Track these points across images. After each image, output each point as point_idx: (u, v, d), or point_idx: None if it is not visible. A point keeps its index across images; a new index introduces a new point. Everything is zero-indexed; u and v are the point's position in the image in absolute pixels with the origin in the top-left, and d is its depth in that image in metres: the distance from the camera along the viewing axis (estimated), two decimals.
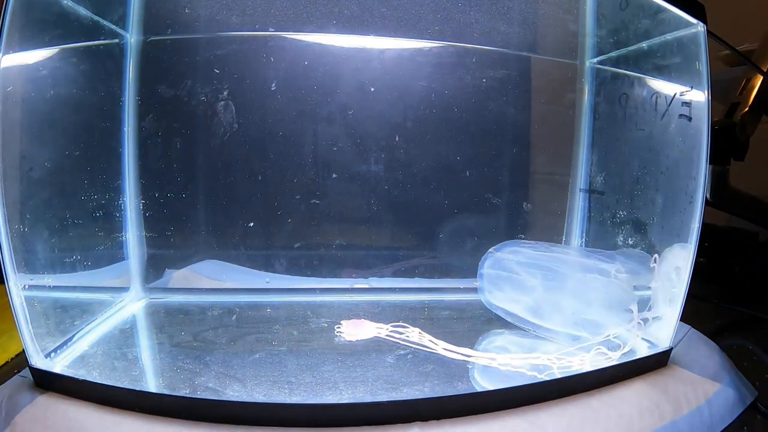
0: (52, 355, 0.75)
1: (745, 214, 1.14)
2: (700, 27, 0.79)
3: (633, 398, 0.74)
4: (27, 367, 0.72)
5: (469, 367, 0.79)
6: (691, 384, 0.77)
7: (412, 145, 1.05)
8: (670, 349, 0.83)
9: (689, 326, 0.92)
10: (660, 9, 0.85)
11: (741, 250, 1.19)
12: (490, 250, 0.94)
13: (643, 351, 0.84)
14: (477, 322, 0.95)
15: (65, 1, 0.80)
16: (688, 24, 0.81)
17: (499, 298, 0.92)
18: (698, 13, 0.79)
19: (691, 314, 0.84)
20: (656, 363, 0.82)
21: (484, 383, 0.75)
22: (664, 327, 0.83)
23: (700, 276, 0.81)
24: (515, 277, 0.90)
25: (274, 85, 1.00)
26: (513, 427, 0.67)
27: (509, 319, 0.91)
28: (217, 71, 0.99)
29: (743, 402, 0.76)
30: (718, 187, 1.06)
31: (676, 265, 0.82)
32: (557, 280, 0.88)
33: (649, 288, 0.87)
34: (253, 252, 1.06)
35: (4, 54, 0.67)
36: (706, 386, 0.77)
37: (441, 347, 0.83)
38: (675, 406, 0.73)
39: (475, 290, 0.96)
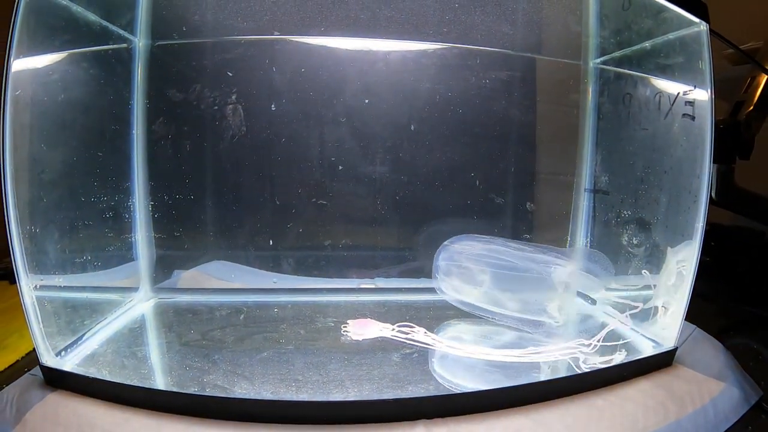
0: (63, 353, 0.76)
1: (750, 213, 1.13)
2: (703, 26, 0.79)
3: (638, 397, 0.74)
4: (37, 366, 0.73)
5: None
6: (695, 383, 0.77)
7: (418, 146, 1.05)
8: (675, 349, 0.83)
9: (694, 326, 0.92)
10: (662, 8, 0.85)
11: (747, 250, 1.19)
12: (444, 243, 0.94)
13: (648, 350, 0.84)
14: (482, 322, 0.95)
15: (75, 7, 0.81)
16: (691, 23, 0.81)
17: (455, 289, 0.93)
18: (701, 12, 0.79)
19: (696, 314, 0.84)
20: (661, 362, 0.82)
21: (443, 373, 0.76)
22: (669, 326, 0.83)
23: (706, 275, 0.81)
24: (471, 268, 0.91)
25: (273, 106, 1.02)
26: (518, 426, 0.67)
27: (466, 309, 0.92)
28: (231, 74, 1.00)
29: (748, 401, 0.76)
30: (724, 186, 1.06)
31: (678, 259, 0.82)
32: (514, 269, 0.89)
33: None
34: (261, 252, 1.06)
35: (14, 58, 0.68)
36: (710, 385, 0.77)
37: (445, 346, 0.84)
38: (679, 406, 0.73)
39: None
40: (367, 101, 1.03)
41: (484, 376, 0.77)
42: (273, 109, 1.01)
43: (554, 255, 0.91)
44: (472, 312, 0.92)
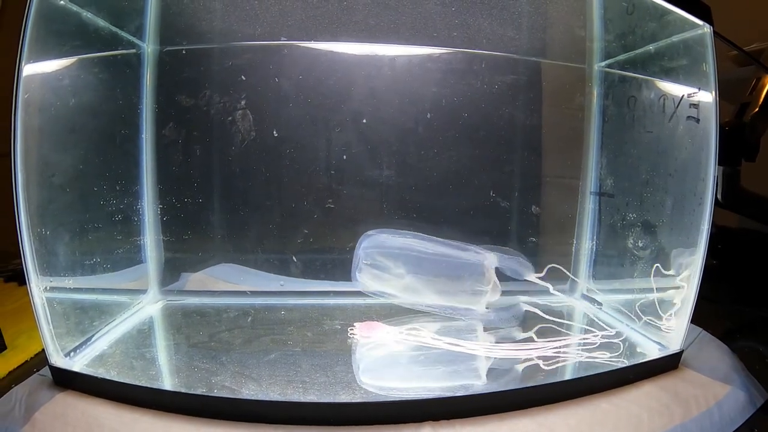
0: (72, 354, 0.76)
1: (756, 216, 1.13)
2: (707, 28, 0.79)
3: (643, 400, 0.74)
4: (46, 366, 0.73)
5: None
6: (701, 386, 0.77)
7: (424, 150, 1.06)
8: (681, 352, 0.83)
9: (700, 329, 0.92)
10: (666, 12, 0.85)
11: (753, 252, 1.18)
12: (367, 232, 0.95)
13: (654, 353, 0.84)
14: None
15: (85, 13, 0.82)
16: (695, 26, 0.81)
17: (377, 278, 0.94)
18: (704, 14, 0.79)
19: (702, 316, 0.84)
20: (667, 365, 0.82)
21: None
22: (674, 329, 0.84)
23: (712, 278, 0.81)
24: (396, 255, 0.93)
25: (277, 130, 1.02)
26: (523, 428, 0.67)
27: (385, 298, 0.95)
28: (244, 78, 1.01)
29: (753, 404, 0.75)
30: (729, 188, 1.05)
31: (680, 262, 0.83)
32: (438, 255, 0.92)
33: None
34: (268, 255, 1.07)
35: (26, 63, 0.69)
36: (716, 388, 0.77)
37: (449, 346, 0.84)
38: (685, 408, 0.73)
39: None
40: (373, 105, 1.03)
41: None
42: (280, 113, 1.02)
43: (475, 249, 0.93)
44: (393, 302, 0.95)
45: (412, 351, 0.84)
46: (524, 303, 0.97)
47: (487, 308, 0.94)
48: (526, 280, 0.95)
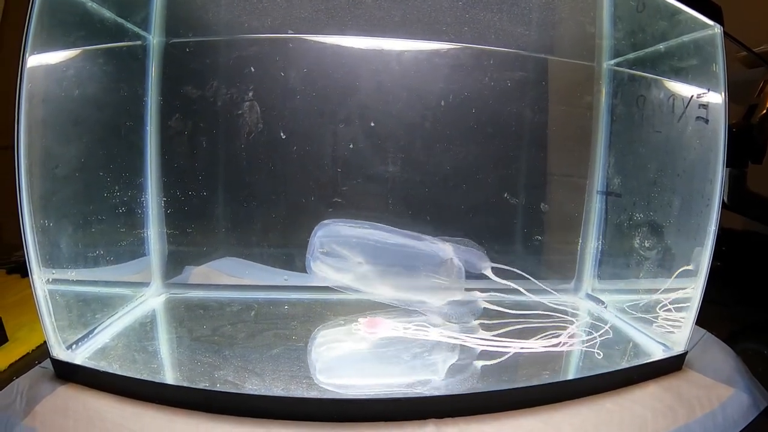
0: (74, 347, 0.76)
1: (761, 218, 1.13)
2: (717, 29, 0.79)
3: (647, 400, 0.74)
4: (48, 359, 0.73)
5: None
6: (705, 388, 0.77)
7: (431, 145, 1.05)
8: (685, 353, 0.83)
9: (705, 330, 0.92)
10: (676, 11, 0.85)
11: (758, 254, 1.18)
12: (323, 222, 0.94)
13: (658, 354, 0.84)
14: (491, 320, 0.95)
15: (90, 4, 0.82)
16: (705, 26, 0.80)
17: (333, 268, 0.92)
18: (715, 14, 0.79)
19: (706, 318, 0.84)
20: (671, 366, 0.82)
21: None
22: (679, 330, 0.84)
23: (717, 280, 0.81)
24: (353, 244, 0.91)
25: (283, 124, 1.02)
26: (527, 427, 0.67)
27: (341, 290, 0.93)
28: (253, 69, 1.00)
29: (757, 407, 0.75)
30: (736, 190, 1.05)
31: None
32: (396, 245, 0.92)
33: None
34: (272, 250, 1.07)
35: (30, 54, 0.68)
36: (720, 390, 0.77)
37: (452, 340, 0.85)
38: (688, 410, 0.73)
39: (490, 289, 0.97)
40: (380, 100, 1.03)
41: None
42: (286, 106, 1.02)
43: (431, 240, 0.93)
44: (349, 296, 0.94)
45: (371, 348, 0.84)
46: (482, 298, 0.96)
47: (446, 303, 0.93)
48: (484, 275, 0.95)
